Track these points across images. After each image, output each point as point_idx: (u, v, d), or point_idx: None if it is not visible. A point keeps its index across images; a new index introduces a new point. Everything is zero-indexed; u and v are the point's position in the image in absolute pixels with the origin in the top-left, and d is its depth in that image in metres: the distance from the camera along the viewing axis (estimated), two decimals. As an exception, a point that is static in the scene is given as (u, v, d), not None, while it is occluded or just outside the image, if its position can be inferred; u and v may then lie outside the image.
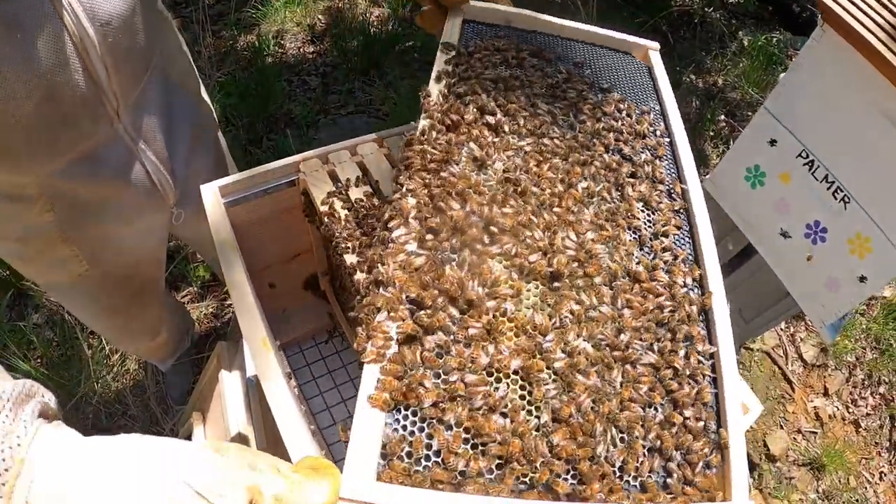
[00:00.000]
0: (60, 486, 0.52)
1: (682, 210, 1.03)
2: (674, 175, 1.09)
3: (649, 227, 0.99)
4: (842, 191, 1.60)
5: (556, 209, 0.92)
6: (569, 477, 0.72)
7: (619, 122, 1.10)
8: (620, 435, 0.76)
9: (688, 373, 0.84)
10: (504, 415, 0.73)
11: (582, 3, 3.04)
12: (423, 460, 0.70)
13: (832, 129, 1.60)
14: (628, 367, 0.81)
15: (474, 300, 0.78)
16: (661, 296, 0.89)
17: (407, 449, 0.70)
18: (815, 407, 2.62)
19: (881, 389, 2.71)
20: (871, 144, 1.52)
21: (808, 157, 1.64)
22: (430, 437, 0.71)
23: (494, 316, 0.78)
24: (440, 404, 0.72)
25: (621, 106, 1.13)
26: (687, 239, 1.01)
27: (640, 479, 0.75)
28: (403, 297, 0.77)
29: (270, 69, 3.33)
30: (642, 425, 0.77)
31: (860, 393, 2.70)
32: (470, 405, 0.72)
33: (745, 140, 1.79)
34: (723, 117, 3.36)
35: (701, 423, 0.80)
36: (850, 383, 2.71)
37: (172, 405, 2.29)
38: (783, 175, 1.71)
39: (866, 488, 2.48)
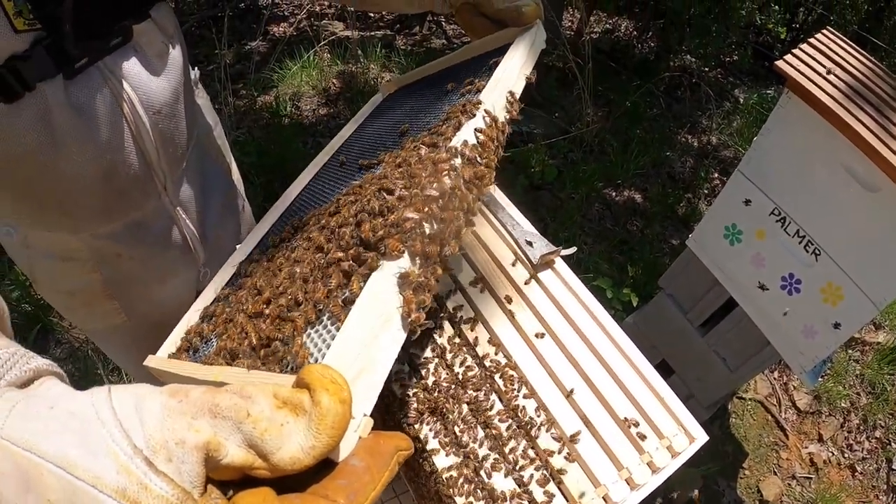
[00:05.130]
0: None
1: None
2: None
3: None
4: (812, 244, 1.71)
5: None
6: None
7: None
8: None
9: None
10: None
11: (579, 70, 3.21)
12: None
13: (801, 187, 1.70)
14: None
15: None
16: None
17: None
18: (809, 453, 2.67)
19: (877, 433, 2.76)
20: (838, 200, 1.63)
21: (780, 214, 1.76)
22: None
23: None
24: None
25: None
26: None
27: None
28: None
29: (287, 130, 3.52)
30: None
31: (856, 437, 2.75)
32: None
33: (721, 201, 1.91)
34: (716, 175, 3.50)
35: None
36: (844, 428, 2.77)
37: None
38: (759, 232, 1.83)
39: (865, 532, 2.53)
